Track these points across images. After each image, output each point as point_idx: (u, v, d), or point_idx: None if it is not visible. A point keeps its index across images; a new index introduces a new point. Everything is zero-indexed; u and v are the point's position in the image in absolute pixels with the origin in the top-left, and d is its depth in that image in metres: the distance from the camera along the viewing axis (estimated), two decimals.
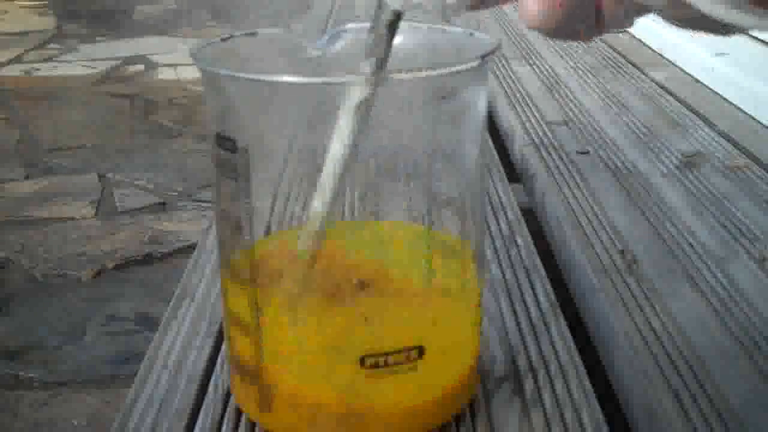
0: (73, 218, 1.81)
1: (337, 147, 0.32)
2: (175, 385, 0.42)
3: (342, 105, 0.32)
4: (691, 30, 0.25)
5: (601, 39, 1.19)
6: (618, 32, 1.23)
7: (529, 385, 0.41)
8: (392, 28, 0.31)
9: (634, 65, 1.04)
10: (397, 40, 0.32)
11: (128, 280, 1.56)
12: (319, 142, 0.35)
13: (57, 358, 1.32)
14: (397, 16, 0.31)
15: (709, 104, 0.88)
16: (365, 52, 0.31)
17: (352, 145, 0.32)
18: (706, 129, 0.79)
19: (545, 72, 1.01)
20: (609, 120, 0.82)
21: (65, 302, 1.49)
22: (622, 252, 0.54)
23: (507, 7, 1.47)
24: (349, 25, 0.39)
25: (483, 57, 0.34)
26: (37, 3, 4.21)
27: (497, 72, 1.01)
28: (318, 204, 0.33)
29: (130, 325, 1.41)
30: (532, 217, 0.65)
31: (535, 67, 1.04)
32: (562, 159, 0.71)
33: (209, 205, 1.80)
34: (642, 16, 0.26)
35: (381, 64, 0.32)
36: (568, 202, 0.62)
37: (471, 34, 0.38)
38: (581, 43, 1.01)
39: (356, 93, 0.32)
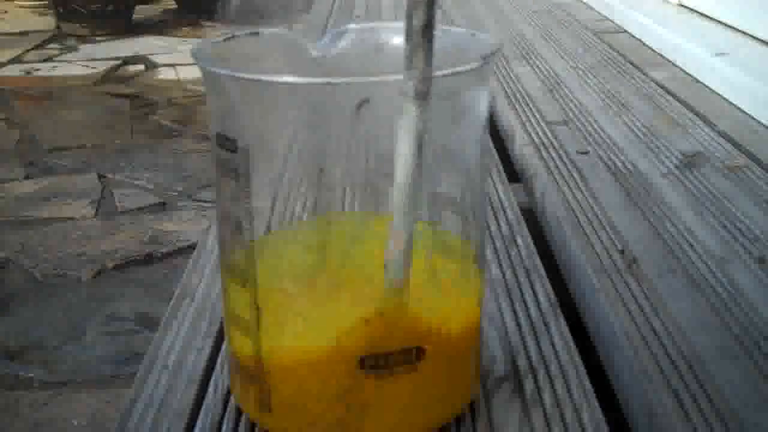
0: (73, 218, 1.81)
1: (401, 172, 0.31)
2: (175, 385, 0.42)
3: (398, 128, 0.30)
4: None
5: (601, 39, 1.19)
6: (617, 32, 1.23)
7: (529, 385, 0.41)
8: (428, 32, 0.28)
9: (634, 65, 1.04)
10: (398, 40, 0.31)
11: (128, 280, 1.56)
12: (320, 142, 0.35)
13: (57, 358, 1.32)
14: (431, 18, 0.28)
15: (709, 104, 0.88)
16: (404, 65, 0.29)
17: (416, 165, 0.31)
18: (706, 129, 0.79)
19: (545, 72, 1.01)
20: (609, 120, 0.82)
21: (65, 302, 1.49)
22: (622, 252, 0.54)
23: (506, 6, 1.47)
24: (350, 26, 0.39)
25: (485, 58, 0.34)
26: (37, 3, 4.21)
27: (497, 72, 1.01)
28: (398, 223, 0.32)
29: (130, 325, 1.41)
30: (532, 217, 0.65)
31: (535, 67, 1.04)
32: (562, 159, 0.71)
33: (209, 205, 1.81)
34: None
35: (425, 75, 0.29)
36: (568, 202, 0.62)
37: (473, 35, 0.38)
38: None
39: (408, 114, 0.30)
